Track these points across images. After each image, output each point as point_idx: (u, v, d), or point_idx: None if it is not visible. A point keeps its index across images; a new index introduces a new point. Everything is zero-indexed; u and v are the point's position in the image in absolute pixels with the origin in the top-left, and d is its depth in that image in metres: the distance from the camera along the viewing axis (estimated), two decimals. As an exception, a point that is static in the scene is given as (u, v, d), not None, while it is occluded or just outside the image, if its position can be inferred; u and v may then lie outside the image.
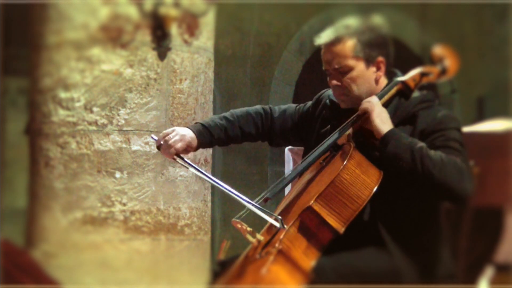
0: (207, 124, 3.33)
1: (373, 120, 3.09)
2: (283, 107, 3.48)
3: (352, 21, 3.23)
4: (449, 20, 8.88)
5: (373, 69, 3.20)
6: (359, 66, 3.18)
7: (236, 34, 8.56)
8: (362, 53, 3.17)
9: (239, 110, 3.43)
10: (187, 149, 3.23)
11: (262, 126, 3.43)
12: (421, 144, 3.03)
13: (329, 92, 3.38)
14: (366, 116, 3.12)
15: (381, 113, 3.11)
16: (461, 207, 3.21)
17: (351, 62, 3.18)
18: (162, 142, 3.23)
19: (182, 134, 3.25)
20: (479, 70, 8.61)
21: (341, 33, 3.20)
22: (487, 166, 3.17)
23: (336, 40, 3.20)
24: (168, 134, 3.22)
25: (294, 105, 3.48)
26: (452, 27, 8.78)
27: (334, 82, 3.21)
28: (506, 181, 3.22)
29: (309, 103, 3.44)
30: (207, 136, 3.31)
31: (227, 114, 3.40)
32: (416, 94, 3.20)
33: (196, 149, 3.28)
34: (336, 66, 3.20)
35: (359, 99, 3.19)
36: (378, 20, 3.25)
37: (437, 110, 3.17)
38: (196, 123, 3.36)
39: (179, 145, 3.22)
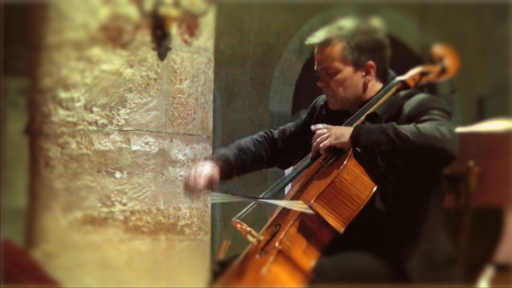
0: (225, 157, 3.34)
1: (334, 144, 3.09)
2: (281, 128, 3.51)
3: (346, 23, 3.23)
4: (449, 20, 8.88)
5: (362, 73, 3.20)
6: (347, 70, 3.19)
7: (236, 34, 8.56)
8: (350, 56, 3.18)
9: (245, 139, 3.45)
10: (210, 184, 3.27)
11: (269, 149, 3.45)
12: (388, 124, 3.05)
13: (323, 97, 3.41)
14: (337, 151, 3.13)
15: (330, 134, 3.10)
16: (463, 204, 3.21)
17: (338, 64, 3.19)
18: (189, 184, 3.26)
19: (200, 172, 3.27)
20: (479, 70, 8.60)
21: (332, 34, 3.21)
22: (487, 166, 3.17)
23: (326, 42, 3.21)
24: (191, 176, 3.25)
25: (291, 123, 3.51)
26: (452, 27, 8.78)
27: (321, 83, 3.25)
28: (506, 181, 3.22)
29: (304, 116, 3.47)
30: (226, 168, 3.33)
31: (235, 144, 3.42)
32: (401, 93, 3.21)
33: (217, 179, 3.31)
34: (324, 67, 3.22)
35: (346, 102, 3.21)
36: (375, 23, 3.24)
37: (419, 95, 3.18)
38: (213, 156, 3.38)
39: (201, 184, 3.25)
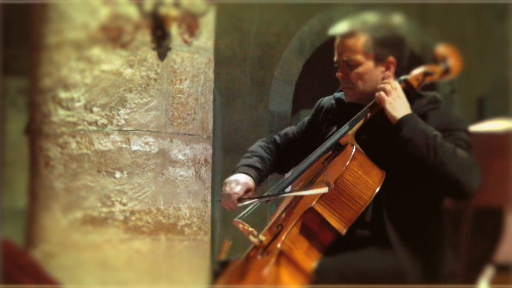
0: (251, 164, 3.34)
1: (386, 107, 3.09)
2: (283, 131, 3.51)
3: (370, 17, 3.22)
4: (449, 20, 8.88)
5: (382, 68, 3.19)
6: (368, 63, 3.18)
7: (236, 34, 8.56)
8: (372, 50, 3.17)
9: (254, 145, 3.47)
10: (247, 192, 3.27)
11: (276, 154, 3.46)
12: (436, 132, 3.03)
13: (327, 97, 3.40)
14: (380, 105, 3.12)
15: (395, 99, 3.10)
16: (463, 204, 3.21)
17: (360, 57, 3.17)
18: (224, 198, 3.28)
19: (236, 179, 3.28)
20: (479, 70, 8.61)
21: (356, 27, 3.19)
22: (487, 166, 3.17)
23: (349, 33, 3.19)
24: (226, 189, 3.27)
25: (292, 127, 3.50)
26: (452, 27, 8.78)
27: (340, 74, 3.22)
28: (506, 181, 3.22)
29: (307, 118, 3.46)
30: (257, 173, 3.34)
31: (249, 153, 3.43)
32: (423, 96, 3.20)
33: (254, 188, 3.32)
34: (345, 59, 3.19)
35: (364, 95, 3.19)
36: (397, 19, 3.23)
37: (447, 111, 3.19)
38: (240, 167, 3.39)
39: (238, 189, 3.26)
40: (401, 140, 3.02)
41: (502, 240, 3.25)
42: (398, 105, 3.08)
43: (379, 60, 3.18)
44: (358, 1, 7.89)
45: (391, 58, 3.18)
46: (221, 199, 3.30)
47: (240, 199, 3.26)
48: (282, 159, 3.46)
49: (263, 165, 3.38)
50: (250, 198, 3.23)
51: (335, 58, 3.22)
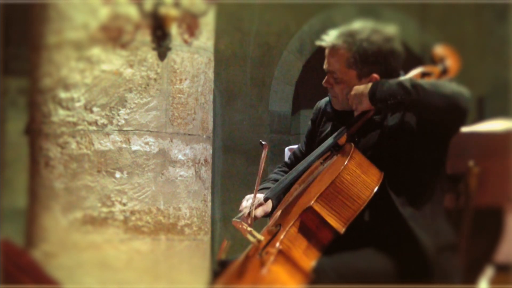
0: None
1: (351, 99, 3.12)
2: (291, 154, 3.57)
3: (359, 29, 3.21)
4: (449, 20, 8.88)
5: (366, 81, 3.19)
6: (351, 79, 3.20)
7: (236, 34, 8.56)
8: (354, 66, 3.18)
9: (274, 174, 3.52)
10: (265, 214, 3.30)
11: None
12: (407, 77, 3.08)
13: (324, 100, 3.43)
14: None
15: (355, 90, 3.13)
16: (463, 203, 3.21)
17: (342, 74, 3.20)
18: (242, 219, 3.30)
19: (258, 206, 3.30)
20: (479, 70, 8.61)
21: (340, 41, 3.20)
22: (487, 166, 3.18)
23: (333, 47, 3.21)
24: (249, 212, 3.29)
25: (298, 145, 3.58)
26: (452, 27, 8.79)
27: (325, 83, 3.27)
28: (506, 181, 3.22)
29: (307, 127, 3.51)
30: (276, 201, 3.37)
31: (272, 179, 3.47)
32: None
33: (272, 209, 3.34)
34: (330, 70, 3.23)
35: (348, 106, 3.22)
36: (390, 30, 3.22)
37: None
38: (264, 187, 3.41)
39: (258, 213, 3.28)
40: (380, 100, 3.03)
41: (502, 240, 3.25)
42: (357, 90, 3.11)
43: (361, 76, 3.20)
44: (358, 1, 7.90)
45: (375, 75, 3.18)
46: (242, 219, 3.33)
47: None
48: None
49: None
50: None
51: (324, 66, 3.26)
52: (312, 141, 3.42)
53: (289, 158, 3.57)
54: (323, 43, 3.26)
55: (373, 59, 3.17)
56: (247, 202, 3.30)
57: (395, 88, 3.01)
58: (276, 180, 3.44)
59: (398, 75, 3.19)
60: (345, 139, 3.18)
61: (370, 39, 3.18)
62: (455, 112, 3.04)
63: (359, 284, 2.97)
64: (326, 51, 3.25)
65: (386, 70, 3.19)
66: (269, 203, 3.30)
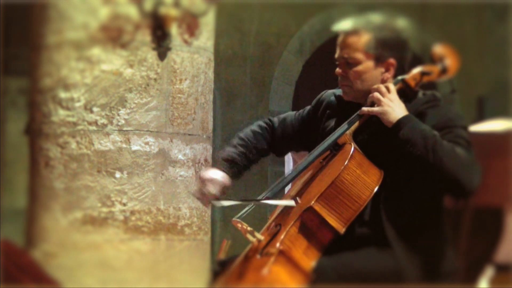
0: (230, 157, 3.33)
1: (380, 110, 3.09)
2: (282, 116, 3.48)
3: (375, 17, 3.21)
4: (449, 20, 8.88)
5: (382, 69, 3.17)
6: (368, 62, 3.17)
7: (236, 34, 8.55)
8: (374, 50, 3.16)
9: (245, 132, 3.43)
10: (223, 190, 3.28)
11: (270, 138, 3.44)
12: (434, 132, 3.03)
13: (329, 92, 3.39)
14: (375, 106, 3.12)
15: (392, 101, 3.10)
16: (463, 202, 3.21)
17: (360, 55, 3.17)
18: (198, 194, 3.27)
19: (212, 179, 3.27)
20: (479, 70, 8.60)
21: (359, 25, 3.19)
22: (487, 166, 3.17)
23: (352, 31, 3.18)
24: (205, 184, 3.26)
25: (293, 113, 3.47)
26: (452, 27, 8.78)
27: (339, 71, 3.21)
28: (506, 181, 3.22)
29: (308, 107, 3.44)
30: (234, 168, 3.33)
31: (237, 140, 3.40)
32: (420, 94, 3.20)
33: (229, 185, 3.32)
34: (345, 56, 3.18)
35: (362, 94, 3.18)
36: (402, 23, 3.22)
37: (447, 107, 3.19)
38: (219, 160, 3.37)
39: (215, 191, 3.26)
40: (400, 141, 3.02)
41: (502, 240, 3.25)
42: (393, 107, 3.08)
43: (379, 60, 3.17)
44: (358, 1, 7.89)
45: (392, 60, 3.17)
46: (196, 195, 3.29)
47: (224, 193, 3.26)
48: (276, 144, 3.44)
49: (245, 159, 3.36)
50: (227, 199, 3.23)
51: (336, 55, 3.22)
52: (309, 123, 3.37)
53: (278, 119, 3.47)
54: (340, 28, 3.23)
55: (392, 43, 3.16)
56: (207, 189, 3.25)
57: (418, 140, 2.99)
58: (245, 147, 3.38)
59: (405, 70, 3.18)
60: (345, 138, 3.16)
61: (387, 25, 3.19)
62: (457, 193, 3.06)
63: (359, 284, 2.97)
64: (341, 37, 3.21)
65: (402, 57, 3.19)
66: (227, 181, 3.27)
